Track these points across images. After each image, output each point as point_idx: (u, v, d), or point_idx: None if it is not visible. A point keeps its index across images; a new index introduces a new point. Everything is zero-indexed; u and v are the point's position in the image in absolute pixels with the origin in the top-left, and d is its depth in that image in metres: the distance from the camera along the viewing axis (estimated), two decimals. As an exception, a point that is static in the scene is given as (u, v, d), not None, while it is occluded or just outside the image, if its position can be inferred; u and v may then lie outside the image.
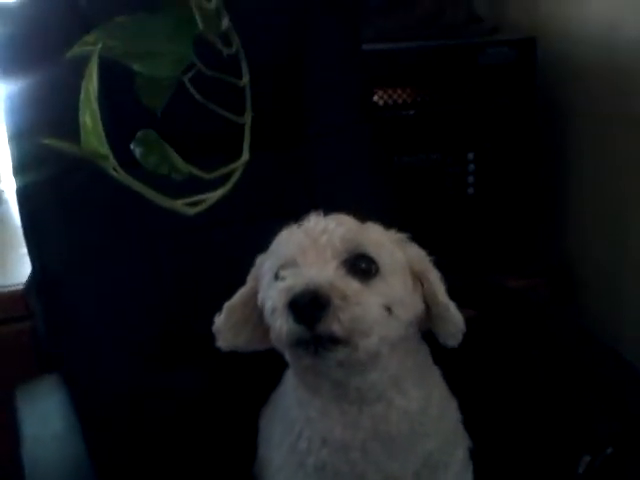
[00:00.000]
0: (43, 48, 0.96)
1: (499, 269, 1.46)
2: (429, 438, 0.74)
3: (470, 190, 1.50)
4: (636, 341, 1.35)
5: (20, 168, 0.99)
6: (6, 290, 1.21)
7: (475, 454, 0.81)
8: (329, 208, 1.06)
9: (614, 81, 1.38)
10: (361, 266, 0.66)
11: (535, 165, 1.53)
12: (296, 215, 1.06)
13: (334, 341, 0.63)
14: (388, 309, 0.66)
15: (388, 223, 1.11)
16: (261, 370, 0.97)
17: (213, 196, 0.82)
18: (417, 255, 0.73)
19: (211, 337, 0.97)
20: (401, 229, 1.13)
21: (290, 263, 0.67)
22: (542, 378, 1.03)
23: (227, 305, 0.75)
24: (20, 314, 1.09)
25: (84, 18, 0.95)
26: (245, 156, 0.88)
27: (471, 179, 1.49)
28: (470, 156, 1.48)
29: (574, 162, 1.54)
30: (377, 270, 0.67)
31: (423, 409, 0.73)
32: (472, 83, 1.45)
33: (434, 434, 0.74)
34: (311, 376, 0.71)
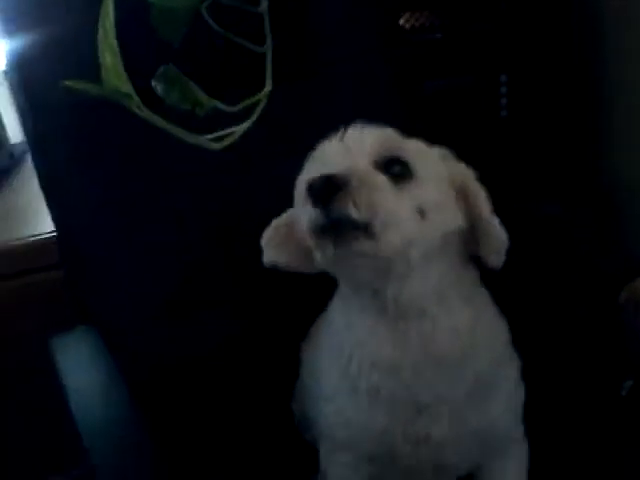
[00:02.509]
0: None
1: (536, 194, 1.42)
2: (479, 358, 0.73)
3: (503, 113, 1.45)
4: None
5: (36, 116, 0.97)
6: (40, 238, 1.21)
7: (525, 373, 0.80)
8: None
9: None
10: (394, 169, 0.66)
11: (572, 86, 1.46)
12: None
13: (355, 227, 0.62)
14: (421, 212, 0.65)
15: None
16: (295, 306, 0.97)
17: (239, 129, 0.79)
18: (461, 170, 0.72)
19: (242, 277, 0.97)
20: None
21: (321, 163, 0.68)
22: (585, 304, 1.02)
23: (274, 222, 0.76)
24: (53, 262, 1.09)
25: None
26: (268, 86, 0.85)
27: (504, 101, 1.43)
28: (503, 78, 1.42)
29: (614, 81, 1.47)
30: (411, 175, 0.66)
31: (472, 329, 0.72)
32: (503, 1, 1.38)
33: (484, 354, 0.73)
34: (350, 282, 0.72)
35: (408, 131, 1.12)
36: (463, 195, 0.71)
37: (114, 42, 0.77)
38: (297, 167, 0.96)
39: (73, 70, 0.83)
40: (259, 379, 0.98)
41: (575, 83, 1.46)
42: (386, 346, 0.71)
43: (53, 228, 1.01)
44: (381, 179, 0.64)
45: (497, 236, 0.69)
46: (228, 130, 0.80)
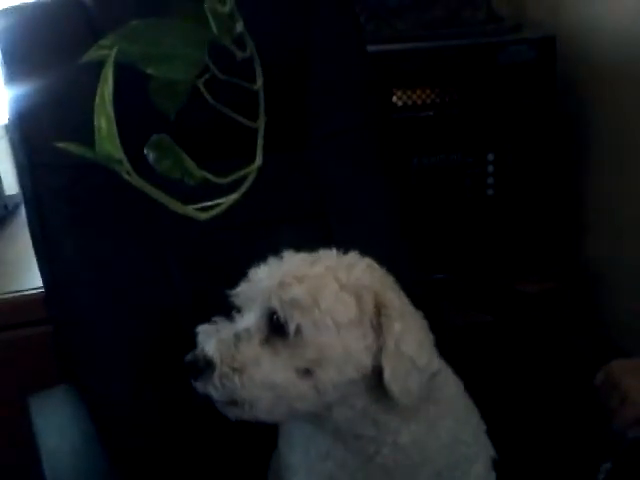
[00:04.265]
0: (53, 50, 0.96)
1: (518, 272, 1.44)
2: (435, 462, 0.73)
3: (490, 191, 1.48)
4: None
5: (33, 174, 0.98)
6: (26, 294, 1.22)
7: (499, 463, 0.81)
8: (335, 212, 1.09)
9: (635, 79, 1.36)
10: (279, 322, 0.66)
11: (555, 166, 1.50)
12: (306, 219, 1.08)
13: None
14: (305, 371, 0.65)
15: (391, 227, 1.13)
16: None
17: (226, 201, 0.82)
18: (385, 302, 0.69)
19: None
20: (404, 231, 1.14)
21: (238, 304, 0.72)
22: (561, 384, 1.02)
23: None
24: (39, 318, 1.10)
25: (93, 21, 0.95)
26: (258, 161, 0.88)
27: (491, 180, 1.47)
28: (490, 157, 1.46)
29: (595, 163, 1.51)
30: (297, 329, 0.66)
31: (416, 442, 0.72)
32: (492, 82, 1.42)
33: (441, 458, 0.74)
34: None
35: (395, 206, 1.16)
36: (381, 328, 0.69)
37: (110, 109, 0.79)
38: (282, 235, 0.99)
39: (71, 131, 0.84)
40: (237, 448, 0.98)
41: (558, 164, 1.51)
42: (339, 446, 0.72)
43: (41, 284, 1.02)
44: (251, 354, 0.66)
45: (403, 364, 0.67)
46: (216, 201, 0.82)
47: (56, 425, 0.92)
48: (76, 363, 0.99)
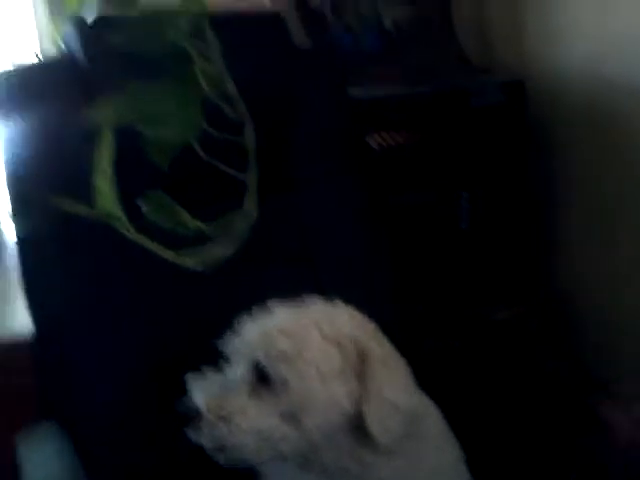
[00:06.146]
0: (49, 110, 0.97)
1: (491, 302, 1.49)
2: None
3: (463, 225, 1.53)
4: (632, 372, 1.37)
5: (21, 217, 1.00)
6: (9, 339, 1.23)
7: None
8: (317, 255, 1.13)
9: (602, 118, 1.42)
10: (265, 372, 0.71)
11: (528, 203, 1.56)
12: (290, 261, 1.11)
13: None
14: (290, 415, 0.69)
15: (373, 267, 1.18)
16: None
17: (222, 254, 0.85)
18: (366, 351, 0.73)
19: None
20: (385, 271, 1.18)
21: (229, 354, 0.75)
22: (529, 405, 1.06)
23: None
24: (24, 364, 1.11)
25: (88, 83, 0.97)
26: (253, 215, 0.91)
27: (465, 218, 1.52)
28: (464, 195, 1.51)
29: (565, 200, 1.58)
30: (275, 382, 0.70)
31: (401, 476, 0.76)
32: (464, 125, 1.48)
33: None
34: None
35: (380, 249, 1.19)
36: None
37: (110, 170, 0.83)
38: (274, 278, 1.02)
39: (66, 188, 0.88)
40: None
41: (529, 202, 1.57)
42: None
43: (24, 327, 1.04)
44: (237, 405, 0.70)
45: (385, 408, 0.71)
46: (211, 254, 0.85)
47: (39, 458, 0.94)
48: (59, 403, 1.01)
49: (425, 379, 0.80)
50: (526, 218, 1.57)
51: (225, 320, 0.77)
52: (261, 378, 0.71)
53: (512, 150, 1.52)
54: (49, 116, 0.96)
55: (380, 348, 0.75)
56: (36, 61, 1.28)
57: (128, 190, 0.86)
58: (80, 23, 0.99)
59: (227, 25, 1.02)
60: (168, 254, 0.87)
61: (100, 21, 0.97)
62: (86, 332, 1.00)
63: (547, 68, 1.56)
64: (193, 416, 0.70)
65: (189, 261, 0.89)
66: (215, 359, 0.76)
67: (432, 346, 1.18)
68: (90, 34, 0.97)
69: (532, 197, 1.58)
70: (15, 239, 1.03)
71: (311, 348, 0.71)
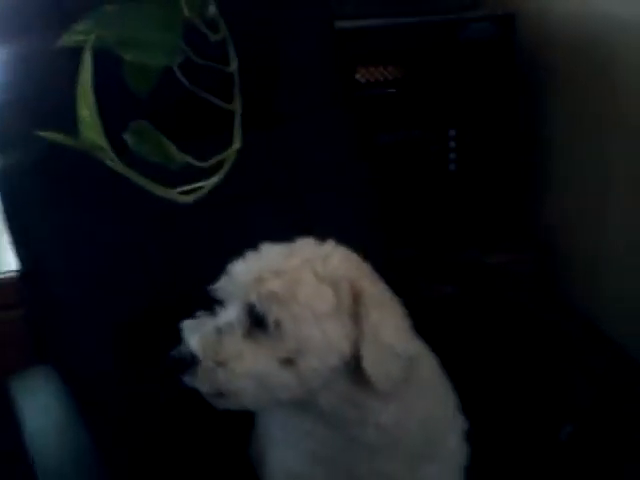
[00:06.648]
0: (22, 32, 0.95)
1: (483, 245, 1.49)
2: (413, 439, 0.77)
3: (452, 166, 1.51)
4: (615, 316, 1.38)
5: (4, 150, 0.98)
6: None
7: (470, 433, 0.84)
8: (308, 189, 1.11)
9: (593, 56, 1.40)
10: (260, 316, 0.69)
11: (516, 141, 1.54)
12: (279, 197, 1.09)
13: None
14: (287, 360, 0.68)
15: (362, 202, 1.16)
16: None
17: (208, 184, 0.83)
18: (361, 291, 0.71)
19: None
20: (373, 208, 1.17)
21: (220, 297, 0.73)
22: (523, 353, 1.07)
23: None
24: (13, 301, 1.09)
25: (62, 4, 0.94)
26: (237, 144, 0.89)
27: (453, 156, 1.50)
28: (452, 133, 1.49)
29: (556, 138, 1.56)
30: (277, 322, 0.68)
31: (398, 421, 0.75)
32: (453, 59, 1.45)
33: (419, 434, 0.77)
34: None
35: (368, 185, 1.18)
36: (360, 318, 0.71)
37: (92, 97, 0.79)
38: (262, 213, 0.99)
39: (49, 119, 0.85)
40: (218, 427, 1.00)
41: (519, 139, 1.55)
42: (320, 426, 0.75)
43: (11, 267, 1.02)
44: (233, 349, 0.68)
45: (381, 351, 0.70)
46: (198, 184, 0.83)
47: (39, 405, 0.92)
48: (52, 345, 1.00)
49: (419, 323, 0.78)
50: (515, 156, 1.55)
51: (215, 261, 0.75)
52: (256, 322, 0.69)
53: (501, 87, 1.49)
54: (27, 40, 0.92)
55: (376, 289, 0.73)
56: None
57: (114, 125, 0.83)
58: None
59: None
60: (156, 187, 0.84)
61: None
62: (71, 269, 0.98)
63: (540, 2, 1.52)
64: (189, 362, 0.68)
65: (180, 196, 0.86)
66: (208, 304, 0.74)
67: (425, 290, 1.17)
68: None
69: (521, 135, 1.56)
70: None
71: (305, 289, 0.69)
